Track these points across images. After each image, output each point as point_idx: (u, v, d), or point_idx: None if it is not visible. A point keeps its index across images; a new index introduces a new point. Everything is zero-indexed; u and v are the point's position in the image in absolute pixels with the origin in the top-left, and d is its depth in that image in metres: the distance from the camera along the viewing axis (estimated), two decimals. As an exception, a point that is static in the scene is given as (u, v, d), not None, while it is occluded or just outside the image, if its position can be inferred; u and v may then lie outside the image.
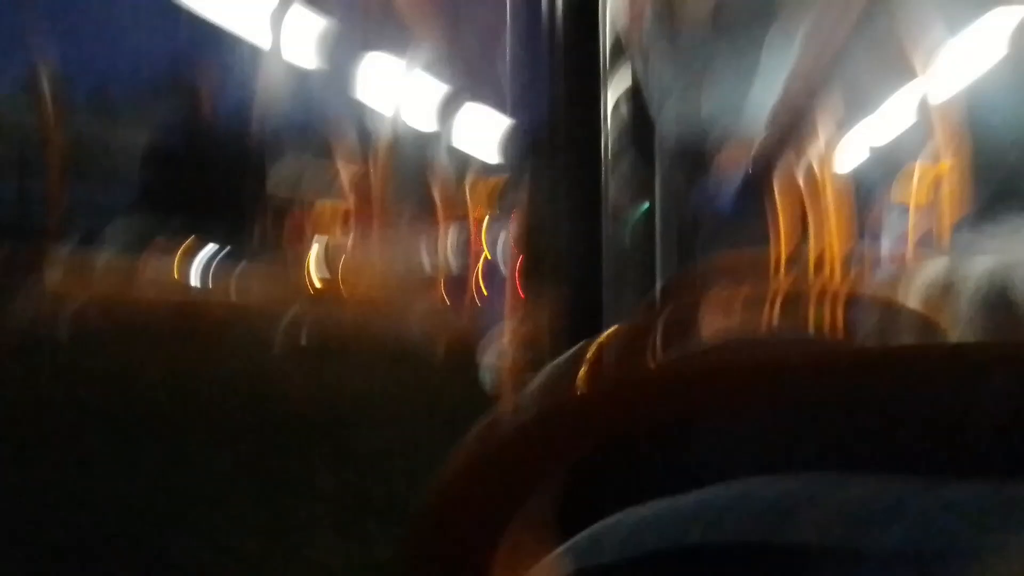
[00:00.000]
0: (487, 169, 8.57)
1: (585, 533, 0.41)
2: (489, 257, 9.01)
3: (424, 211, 8.40)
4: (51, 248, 5.69)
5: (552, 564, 0.41)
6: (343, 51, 4.96)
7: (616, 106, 1.91)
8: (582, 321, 1.60)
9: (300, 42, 4.72)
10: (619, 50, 2.00)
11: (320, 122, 6.24)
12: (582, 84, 1.64)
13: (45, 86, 5.18)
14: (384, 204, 6.43)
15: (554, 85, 1.61)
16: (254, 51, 4.51)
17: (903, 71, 4.58)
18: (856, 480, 0.40)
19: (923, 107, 5.16)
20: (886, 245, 9.91)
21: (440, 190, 8.01)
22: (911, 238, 8.84)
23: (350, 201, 6.65)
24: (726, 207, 9.89)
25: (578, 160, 1.64)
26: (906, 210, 8.98)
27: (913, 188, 8.24)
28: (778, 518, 0.38)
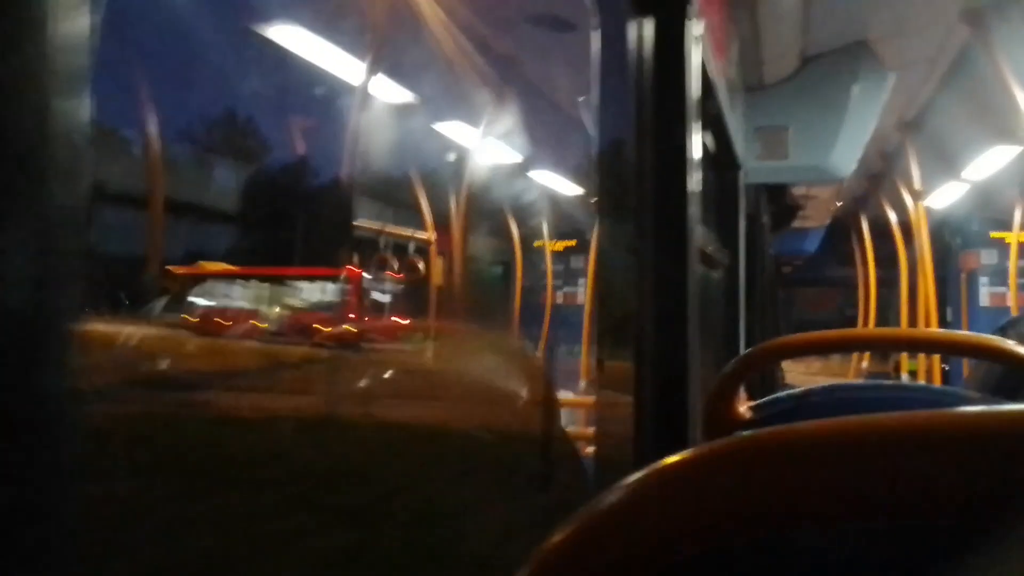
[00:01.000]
0: (559, 228, 8.71)
1: None
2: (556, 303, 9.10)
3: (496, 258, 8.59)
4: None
5: None
6: (432, 103, 5.16)
7: (704, 156, 1.93)
8: (670, 380, 1.59)
9: (390, 92, 4.92)
10: (705, 99, 2.01)
11: (404, 165, 6.46)
12: (669, 137, 1.66)
13: (149, 126, 5.44)
14: (461, 249, 6.55)
15: (640, 138, 1.63)
16: (345, 93, 4.70)
17: (995, 118, 4.50)
18: None
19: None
20: (985, 286, 9.60)
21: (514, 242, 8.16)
22: (1012, 277, 8.54)
23: (431, 240, 6.80)
24: (813, 252, 9.65)
25: (666, 214, 1.65)
26: (1006, 250, 8.70)
27: (1016, 226, 7.99)
28: None
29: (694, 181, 1.69)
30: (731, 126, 2.92)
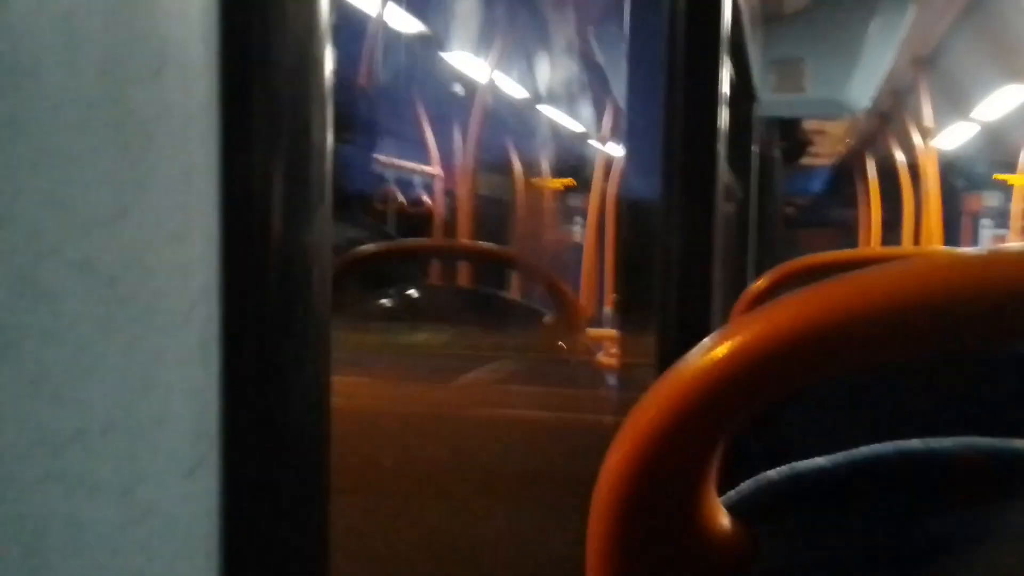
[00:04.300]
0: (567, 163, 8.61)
1: (749, 487, 0.41)
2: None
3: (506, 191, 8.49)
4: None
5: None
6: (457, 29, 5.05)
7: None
8: (694, 314, 1.59)
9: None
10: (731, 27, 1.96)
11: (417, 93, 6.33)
12: (700, 68, 1.63)
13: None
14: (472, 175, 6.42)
15: (671, 69, 1.60)
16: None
17: (1009, 56, 4.44)
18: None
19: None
20: (987, 228, 9.57)
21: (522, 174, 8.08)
22: (1015, 219, 8.51)
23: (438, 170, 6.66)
24: (822, 187, 9.60)
25: (694, 149, 1.63)
26: (1010, 192, 8.65)
27: (1021, 168, 7.93)
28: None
29: (723, 116, 1.67)
30: (751, 57, 2.87)
